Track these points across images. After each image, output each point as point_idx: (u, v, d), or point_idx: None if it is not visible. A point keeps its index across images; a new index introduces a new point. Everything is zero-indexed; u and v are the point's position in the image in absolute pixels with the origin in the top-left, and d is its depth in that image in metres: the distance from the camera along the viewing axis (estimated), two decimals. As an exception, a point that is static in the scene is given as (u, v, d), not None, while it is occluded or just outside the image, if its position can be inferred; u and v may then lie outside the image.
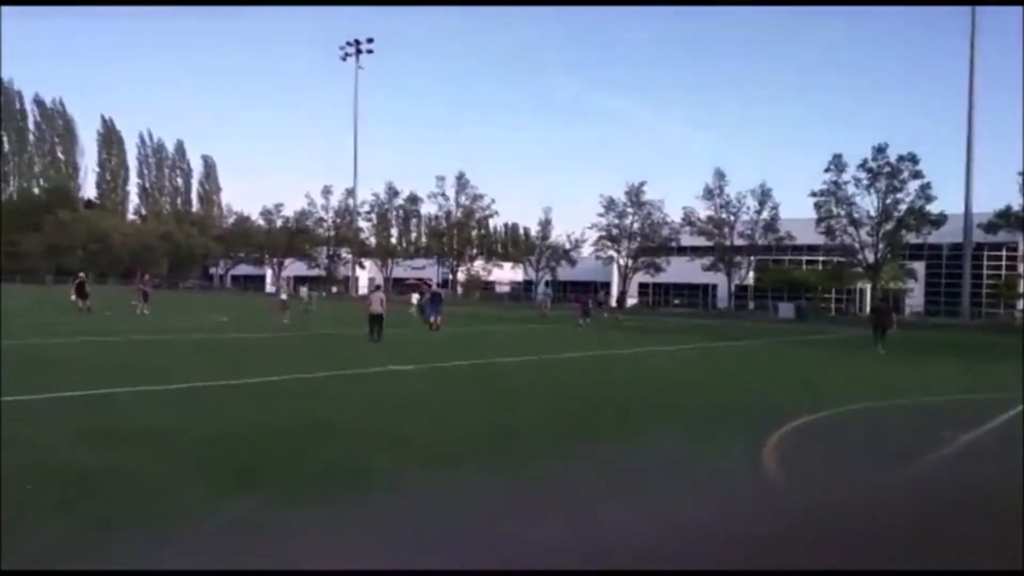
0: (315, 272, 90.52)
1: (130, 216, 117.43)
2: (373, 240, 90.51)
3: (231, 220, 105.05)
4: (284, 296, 31.35)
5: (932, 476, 7.81)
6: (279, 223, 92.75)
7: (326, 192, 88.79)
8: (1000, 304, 68.81)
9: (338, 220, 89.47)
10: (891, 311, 28.28)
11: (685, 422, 10.43)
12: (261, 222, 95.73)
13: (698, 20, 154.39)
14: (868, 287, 68.70)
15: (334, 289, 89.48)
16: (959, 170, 59.27)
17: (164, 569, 4.85)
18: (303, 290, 46.74)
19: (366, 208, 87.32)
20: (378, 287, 24.75)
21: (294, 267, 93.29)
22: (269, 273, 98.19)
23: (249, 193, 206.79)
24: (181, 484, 6.22)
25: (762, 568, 5.08)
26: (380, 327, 21.30)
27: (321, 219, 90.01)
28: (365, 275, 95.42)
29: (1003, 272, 71.80)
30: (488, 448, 8.14)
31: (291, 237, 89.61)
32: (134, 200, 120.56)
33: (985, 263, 68.85)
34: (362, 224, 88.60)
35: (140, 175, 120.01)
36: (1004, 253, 71.72)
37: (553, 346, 22.76)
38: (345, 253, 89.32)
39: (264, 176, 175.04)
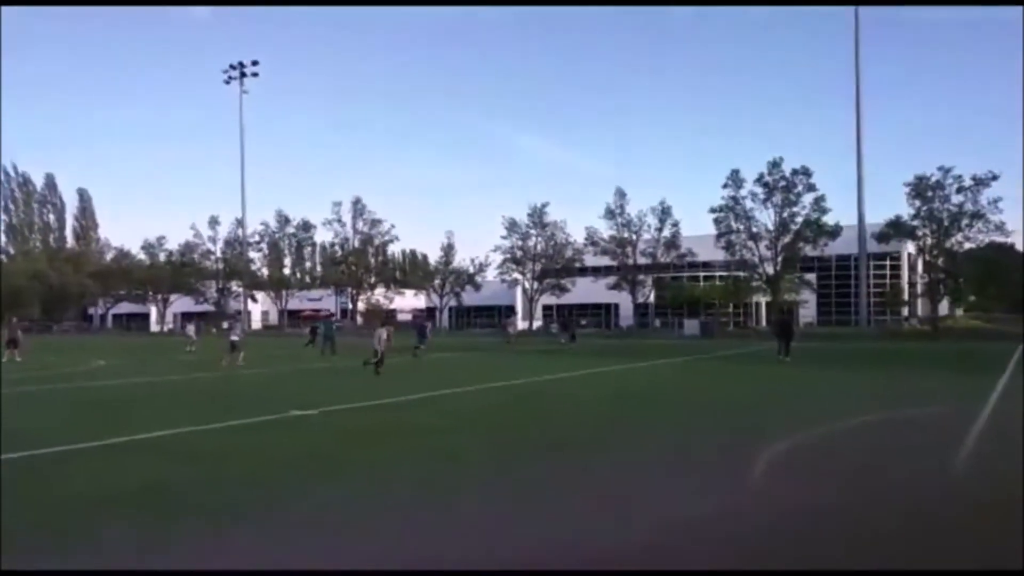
0: (203, 307, 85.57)
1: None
2: (265, 271, 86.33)
3: (110, 256, 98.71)
4: (236, 336, 27.20)
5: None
6: (162, 257, 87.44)
7: (213, 223, 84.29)
8: (887, 311, 71.49)
9: (227, 252, 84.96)
10: (792, 323, 28.80)
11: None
12: (143, 257, 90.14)
13: (587, 43, 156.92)
14: (764, 301, 70.12)
15: (224, 324, 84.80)
16: (849, 182, 60.94)
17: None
18: (189, 327, 43.40)
19: (256, 238, 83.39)
20: (384, 323, 24.16)
21: (180, 303, 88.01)
22: (153, 311, 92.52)
23: (130, 227, 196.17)
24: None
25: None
26: (380, 360, 21.54)
27: (209, 251, 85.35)
28: (258, 308, 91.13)
29: (887, 281, 74.84)
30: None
31: (176, 271, 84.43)
32: (0, 239, 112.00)
33: (871, 272, 71.46)
34: (253, 255, 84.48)
35: (6, 211, 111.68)
36: (888, 263, 74.80)
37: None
38: (236, 286, 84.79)
39: (146, 208, 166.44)
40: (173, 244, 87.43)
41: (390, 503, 6.70)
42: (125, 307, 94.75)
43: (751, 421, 12.01)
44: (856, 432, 10.73)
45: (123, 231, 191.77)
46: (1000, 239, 55.08)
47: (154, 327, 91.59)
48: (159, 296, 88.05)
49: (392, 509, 6.49)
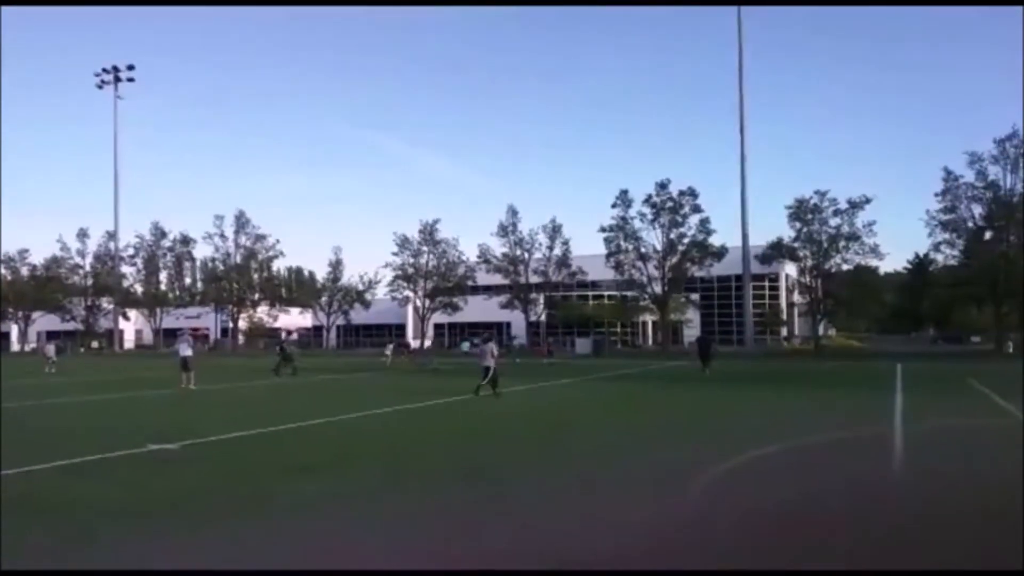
0: (71, 326, 79.78)
1: None
2: (139, 287, 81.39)
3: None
4: (188, 352, 23.68)
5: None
6: (25, 271, 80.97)
7: (82, 235, 79.15)
8: (766, 331, 73.98)
9: (97, 266, 79.66)
10: (711, 343, 29.27)
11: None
12: (2, 271, 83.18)
13: (477, 58, 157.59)
14: (651, 320, 71.28)
15: (94, 344, 79.46)
16: (734, 204, 62.49)
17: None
18: (49, 347, 39.87)
19: (130, 252, 78.63)
20: (488, 339, 21.07)
21: (45, 320, 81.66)
22: (14, 329, 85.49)
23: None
24: None
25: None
26: (495, 379, 18.85)
27: (77, 266, 79.84)
28: (131, 327, 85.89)
29: (767, 301, 77.55)
30: None
31: (40, 287, 78.35)
32: None
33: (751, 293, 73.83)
34: (126, 270, 79.57)
35: None
36: (767, 283, 77.57)
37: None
38: (107, 303, 79.53)
39: (8, 220, 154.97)
40: (38, 258, 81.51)
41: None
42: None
43: (687, 443, 11.41)
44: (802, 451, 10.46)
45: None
46: (875, 261, 57.98)
47: (15, 347, 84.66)
48: (20, 313, 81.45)
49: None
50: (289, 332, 63.32)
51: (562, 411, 16.88)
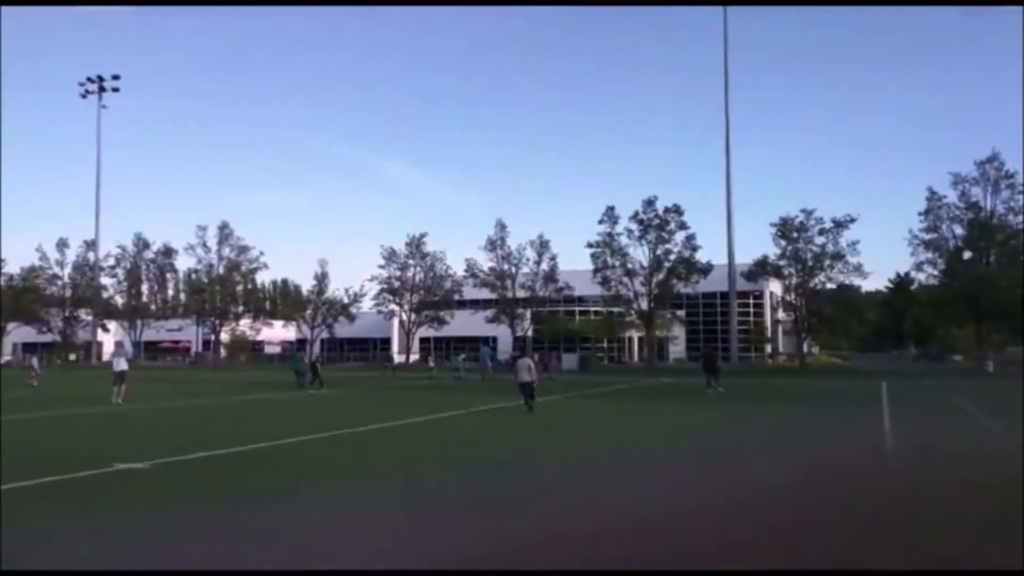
0: (48, 338, 78.39)
1: None
2: (119, 299, 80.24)
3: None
4: (123, 367, 23.13)
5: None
6: (1, 282, 79.55)
7: (61, 245, 77.83)
8: (751, 348, 74.25)
9: (76, 277, 78.51)
10: (717, 358, 29.23)
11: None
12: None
13: (464, 74, 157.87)
14: (637, 336, 71.30)
15: (71, 356, 78.26)
16: (721, 221, 62.73)
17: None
18: (33, 359, 39.16)
19: (111, 262, 77.60)
20: (522, 354, 20.97)
21: (20, 332, 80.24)
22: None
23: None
24: None
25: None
26: (530, 395, 18.65)
27: (55, 276, 78.52)
28: (110, 338, 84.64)
29: (751, 318, 77.91)
30: None
31: (16, 297, 76.91)
32: None
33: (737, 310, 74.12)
34: (106, 281, 78.43)
35: None
36: (751, 301, 77.96)
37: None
38: (85, 315, 78.31)
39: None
40: (15, 268, 79.99)
41: None
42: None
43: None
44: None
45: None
46: (858, 280, 58.37)
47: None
48: (-5, 324, 79.94)
49: None
50: (298, 344, 61.79)
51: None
